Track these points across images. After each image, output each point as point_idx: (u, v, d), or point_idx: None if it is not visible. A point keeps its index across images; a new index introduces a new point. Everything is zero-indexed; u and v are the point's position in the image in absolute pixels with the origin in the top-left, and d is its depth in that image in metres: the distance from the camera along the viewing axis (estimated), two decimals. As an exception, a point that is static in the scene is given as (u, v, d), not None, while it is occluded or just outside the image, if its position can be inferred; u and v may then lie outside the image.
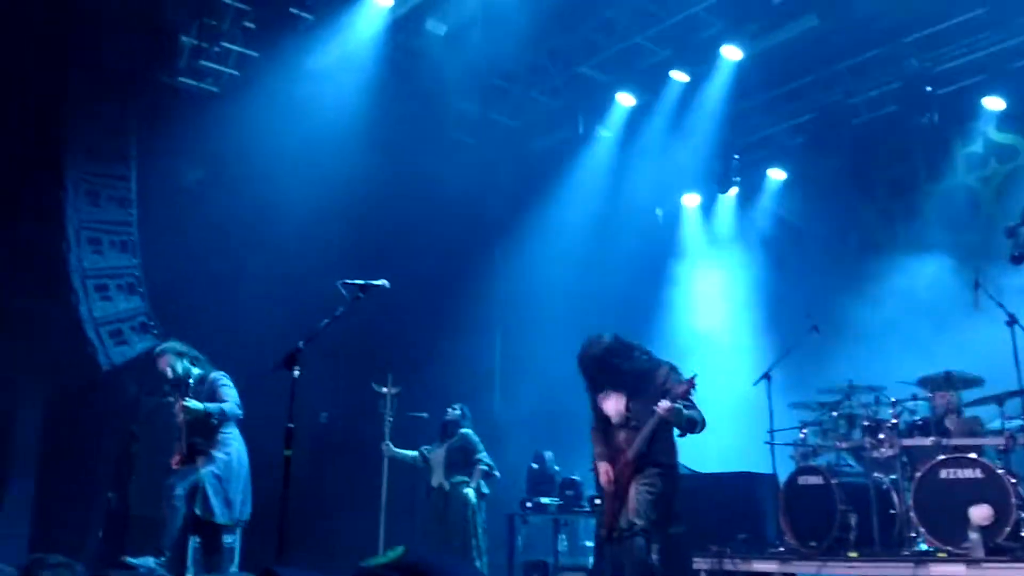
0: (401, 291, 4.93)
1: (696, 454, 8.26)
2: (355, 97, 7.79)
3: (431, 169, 8.50)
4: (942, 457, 5.92)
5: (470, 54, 7.76)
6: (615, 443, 5.08)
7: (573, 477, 7.92)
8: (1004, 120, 7.56)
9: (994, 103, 7.41)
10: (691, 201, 9.96)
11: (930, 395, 6.52)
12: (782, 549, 6.43)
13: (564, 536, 8.19)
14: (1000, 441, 6.03)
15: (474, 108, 8.85)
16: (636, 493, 4.88)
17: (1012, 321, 5.86)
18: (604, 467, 5.06)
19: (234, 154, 7.61)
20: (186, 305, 7.49)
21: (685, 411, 4.90)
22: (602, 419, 5.21)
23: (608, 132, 9.05)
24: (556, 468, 8.25)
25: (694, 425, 4.99)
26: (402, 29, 7.75)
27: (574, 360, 5.11)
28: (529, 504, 7.95)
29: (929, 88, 7.49)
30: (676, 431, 5.04)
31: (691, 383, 4.94)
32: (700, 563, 6.44)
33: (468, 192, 8.80)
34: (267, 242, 7.76)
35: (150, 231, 7.58)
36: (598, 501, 5.52)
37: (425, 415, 7.50)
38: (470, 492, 7.16)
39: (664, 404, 4.83)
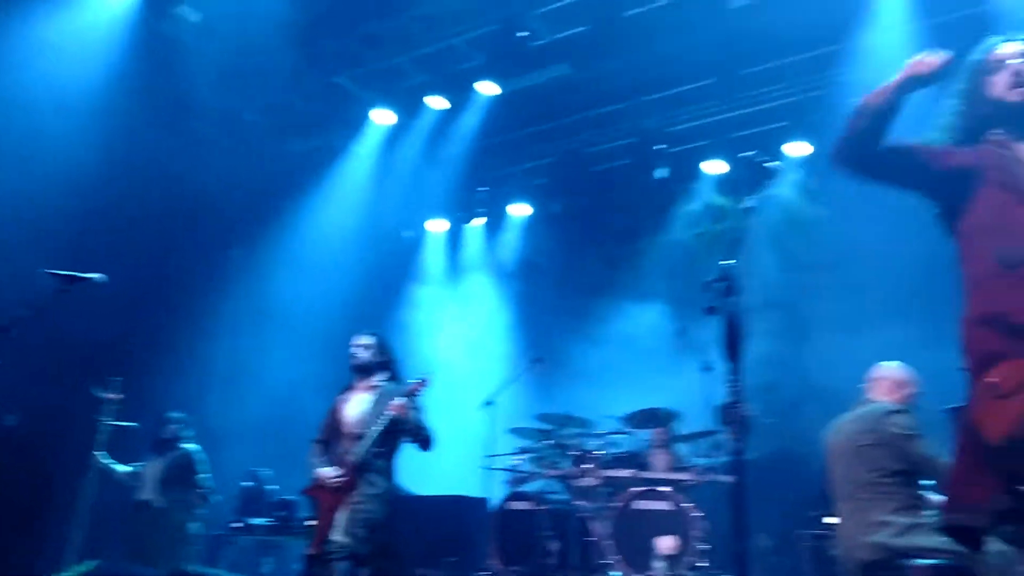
0: (131, 289, 4.49)
1: (417, 476, 8.27)
2: (93, 78, 7.11)
3: (173, 163, 7.93)
4: (637, 489, 6.34)
5: (225, 45, 7.37)
6: (338, 456, 4.93)
7: (287, 497, 7.61)
8: (722, 184, 8.34)
9: (714, 167, 8.15)
10: (438, 227, 10.06)
11: (633, 430, 6.98)
12: (487, 573, 6.54)
13: (272, 559, 7.84)
14: (690, 477, 6.58)
15: (225, 104, 8.39)
16: (350, 511, 4.75)
17: (707, 368, 6.42)
18: (327, 472, 4.86)
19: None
20: None
21: (413, 413, 4.88)
22: (330, 428, 5.06)
23: (363, 147, 8.94)
24: (274, 487, 7.91)
25: (424, 432, 4.96)
26: (153, 10, 7.21)
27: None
28: (237, 524, 7.53)
29: (661, 146, 8.11)
30: (404, 445, 4.98)
31: (422, 382, 4.91)
32: (408, 586, 6.40)
33: (212, 191, 8.30)
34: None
35: None
36: (312, 522, 5.34)
37: (136, 424, 6.90)
38: (182, 511, 6.65)
39: (397, 401, 4.78)
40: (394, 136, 8.85)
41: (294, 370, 8.22)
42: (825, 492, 4.58)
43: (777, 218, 8.14)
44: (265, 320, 8.97)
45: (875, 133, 2.63)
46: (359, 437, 4.85)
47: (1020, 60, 2.68)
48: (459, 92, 8.21)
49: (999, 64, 2.70)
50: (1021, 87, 2.65)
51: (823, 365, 7.45)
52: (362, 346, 5.15)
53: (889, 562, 3.83)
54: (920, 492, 4.05)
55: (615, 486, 6.84)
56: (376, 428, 4.81)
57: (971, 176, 2.60)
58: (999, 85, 2.68)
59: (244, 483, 7.86)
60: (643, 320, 8.78)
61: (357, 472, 4.78)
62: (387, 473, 4.94)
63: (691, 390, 6.91)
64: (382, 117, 8.64)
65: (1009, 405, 2.30)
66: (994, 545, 3.64)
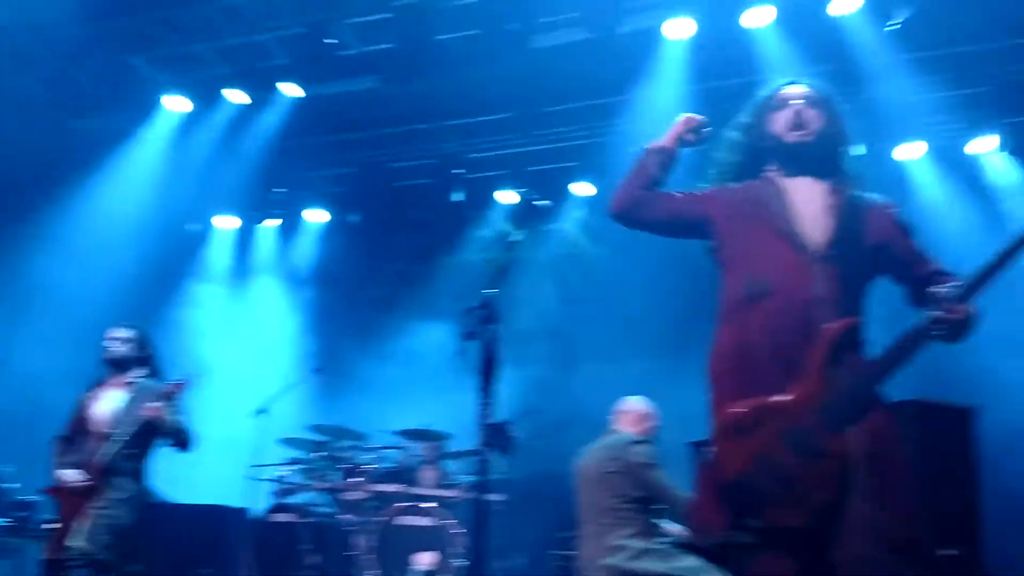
0: None
1: (176, 482, 7.90)
2: None
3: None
4: (402, 504, 6.42)
5: (8, 14, 6.80)
6: (84, 455, 4.65)
7: (27, 497, 7.05)
8: (512, 214, 8.63)
9: (507, 197, 8.44)
10: (227, 224, 9.68)
11: (405, 445, 7.06)
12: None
13: (7, 563, 7.22)
14: (456, 494, 6.74)
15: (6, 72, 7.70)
16: (93, 515, 4.49)
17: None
18: (69, 475, 4.59)
19: None
20: None
21: (171, 416, 4.68)
22: (76, 425, 4.77)
23: (152, 133, 8.49)
24: (14, 485, 7.29)
25: (183, 435, 4.76)
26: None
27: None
28: (-31, 524, 6.88)
29: (460, 170, 8.31)
30: (159, 447, 4.77)
31: (180, 385, 4.74)
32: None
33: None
34: None
35: None
36: (52, 524, 4.98)
37: None
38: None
39: (153, 404, 4.59)
40: (187, 125, 8.47)
41: (48, 360, 7.64)
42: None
43: (558, 252, 8.55)
44: (22, 304, 8.28)
45: (645, 186, 2.82)
46: (108, 437, 4.61)
47: (802, 103, 2.78)
48: (261, 89, 8.00)
49: (783, 103, 2.81)
50: (799, 129, 2.75)
51: (588, 392, 7.89)
52: (119, 339, 4.89)
53: (623, 585, 4.12)
54: (655, 520, 4.40)
55: (382, 500, 6.89)
56: (127, 429, 4.59)
57: (722, 217, 2.76)
58: (780, 123, 2.78)
59: (-22, 480, 7.20)
60: (429, 339, 8.88)
61: (103, 475, 4.53)
62: (137, 476, 4.72)
63: (468, 410, 7.07)
64: (175, 104, 8.25)
65: (746, 442, 2.38)
66: (713, 574, 4.03)
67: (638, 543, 4.18)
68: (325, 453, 6.94)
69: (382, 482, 6.77)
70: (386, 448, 7.11)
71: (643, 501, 4.32)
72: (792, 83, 2.87)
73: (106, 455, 4.56)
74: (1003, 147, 7.11)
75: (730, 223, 2.73)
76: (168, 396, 4.67)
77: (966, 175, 7.31)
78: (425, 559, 6.06)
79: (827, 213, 2.64)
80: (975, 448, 3.81)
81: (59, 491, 4.63)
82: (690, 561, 4.07)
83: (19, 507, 7.02)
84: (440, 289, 9.08)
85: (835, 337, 2.38)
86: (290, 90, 7.87)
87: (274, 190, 9.08)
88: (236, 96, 8.05)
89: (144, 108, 8.31)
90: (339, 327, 9.38)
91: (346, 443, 7.03)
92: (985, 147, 7.25)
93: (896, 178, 7.32)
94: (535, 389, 8.16)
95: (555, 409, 7.95)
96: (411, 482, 6.72)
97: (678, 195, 2.88)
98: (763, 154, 2.83)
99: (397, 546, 6.17)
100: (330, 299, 9.54)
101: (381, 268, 9.44)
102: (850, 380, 2.35)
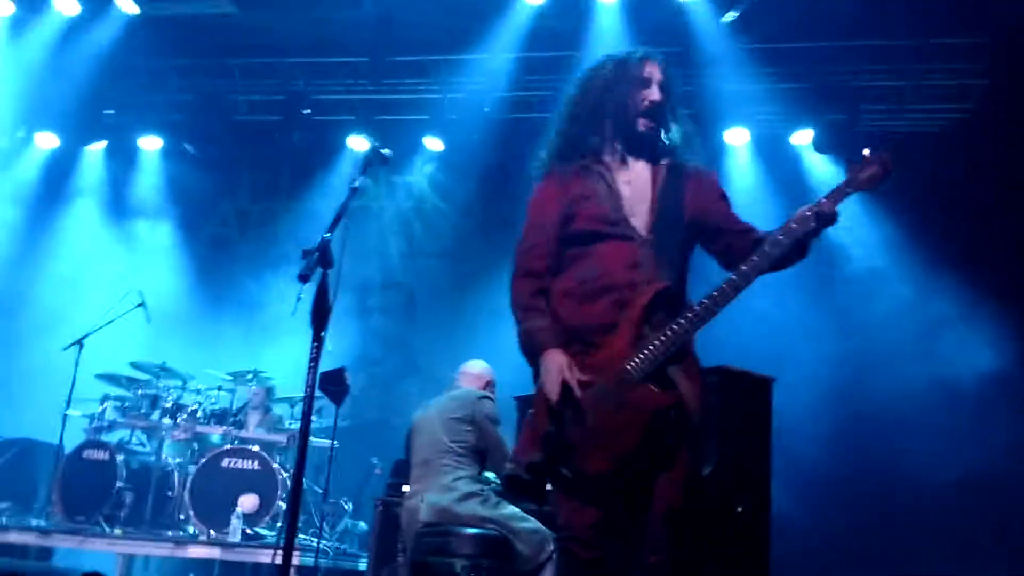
0: None
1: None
2: None
3: None
4: (227, 447, 6.32)
5: None
6: None
7: None
8: (361, 161, 8.45)
9: (357, 143, 8.28)
10: (46, 143, 8.95)
11: (233, 388, 6.92)
12: (42, 523, 6.10)
13: None
14: (282, 439, 6.69)
15: None
16: None
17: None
18: None
19: None
20: None
21: None
22: None
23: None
24: None
25: None
26: None
27: None
28: None
29: (307, 111, 8.08)
30: None
31: None
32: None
33: None
34: None
35: None
36: None
37: None
38: None
39: None
40: (9, 30, 7.81)
41: None
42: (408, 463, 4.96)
43: (406, 205, 8.53)
44: None
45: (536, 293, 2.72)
46: None
47: (659, 94, 2.74)
48: (94, 1, 7.48)
49: (646, 82, 2.75)
50: (650, 119, 2.72)
51: (426, 347, 8.00)
52: None
53: (443, 525, 4.26)
54: (485, 472, 4.60)
55: (205, 442, 6.75)
56: None
57: (564, 209, 2.71)
58: (637, 102, 2.72)
59: None
60: (267, 282, 8.68)
61: None
62: None
63: (303, 356, 6.98)
64: (-2, 8, 7.58)
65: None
66: (529, 523, 4.25)
67: (468, 487, 4.33)
68: (146, 391, 6.70)
69: (206, 424, 6.62)
70: (213, 390, 6.94)
71: (480, 452, 4.50)
72: (647, 57, 2.80)
73: None
74: (815, 143, 7.44)
75: (568, 217, 2.71)
76: None
77: (787, 166, 7.70)
78: (248, 502, 6.00)
79: (651, 189, 2.71)
80: (770, 414, 4.16)
81: None
82: (511, 510, 4.27)
83: None
84: (281, 233, 8.86)
85: (647, 301, 2.55)
86: (127, 5, 7.40)
87: (105, 112, 8.50)
88: (66, 5, 7.48)
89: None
90: (171, 264, 8.98)
91: (170, 383, 6.80)
92: (804, 140, 7.59)
93: (719, 158, 7.68)
94: (376, 339, 8.19)
95: (393, 360, 8.01)
96: (238, 425, 6.61)
97: (541, 238, 2.74)
98: (603, 127, 2.77)
99: (222, 489, 6.07)
100: (161, 234, 9.08)
101: (220, 205, 9.07)
102: (659, 339, 2.50)
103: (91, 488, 6.10)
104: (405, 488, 5.05)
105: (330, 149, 8.49)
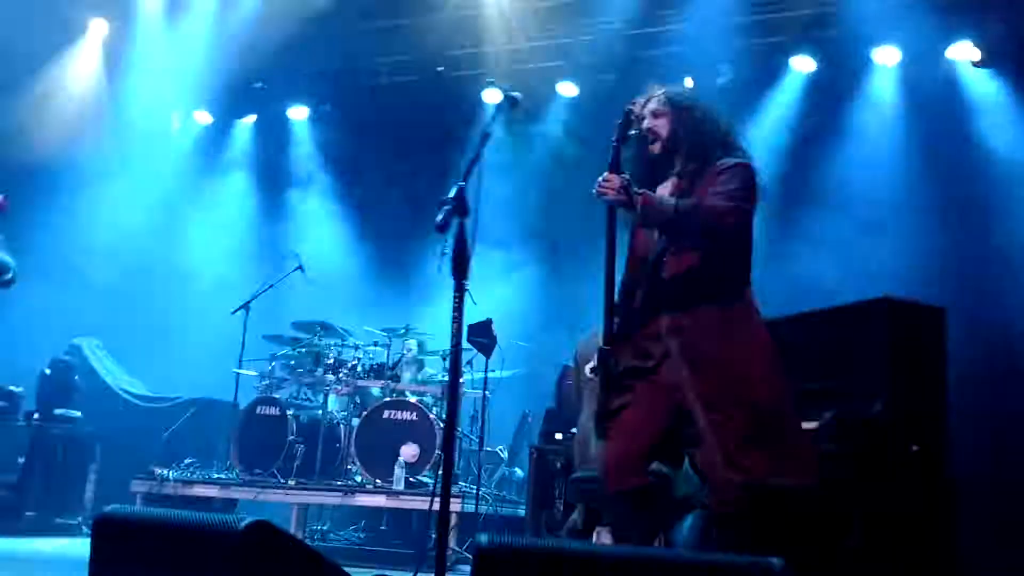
0: None
1: (165, 380, 8.03)
2: None
3: None
4: (386, 399, 6.55)
5: None
6: None
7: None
8: (495, 109, 8.38)
9: (492, 95, 8.27)
10: (202, 119, 9.46)
11: (388, 344, 7.14)
12: (223, 476, 6.54)
13: None
14: (436, 390, 6.87)
15: None
16: None
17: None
18: None
19: None
20: None
21: None
22: None
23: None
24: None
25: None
26: None
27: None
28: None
29: (440, 68, 8.18)
30: None
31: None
32: (138, 486, 6.27)
33: None
34: None
35: None
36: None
37: None
38: None
39: None
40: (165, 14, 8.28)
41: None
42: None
43: (543, 154, 8.45)
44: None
45: None
46: None
47: (648, 120, 3.09)
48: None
49: (636, 121, 3.12)
50: (651, 143, 3.09)
51: (571, 296, 7.96)
52: None
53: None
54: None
55: (366, 396, 7.03)
56: None
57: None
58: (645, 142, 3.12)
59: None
60: (419, 238, 8.80)
61: None
62: None
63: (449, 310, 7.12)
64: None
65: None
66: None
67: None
68: (307, 349, 7.02)
69: (366, 378, 6.89)
70: (369, 345, 7.20)
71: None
72: (639, 98, 3.17)
73: None
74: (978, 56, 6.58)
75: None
76: None
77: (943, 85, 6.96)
78: (409, 451, 6.22)
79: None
80: (943, 346, 3.88)
81: None
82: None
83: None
84: (426, 190, 8.97)
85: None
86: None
87: (254, 85, 8.86)
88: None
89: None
90: (322, 226, 9.32)
91: (330, 341, 7.10)
92: (962, 55, 6.73)
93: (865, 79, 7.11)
94: (520, 292, 8.21)
95: (539, 311, 8.03)
96: (394, 379, 6.83)
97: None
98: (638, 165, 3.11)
99: (383, 440, 6.32)
100: (313, 199, 9.42)
101: (367, 168, 9.28)
102: None
103: (266, 443, 6.48)
104: (558, 436, 5.08)
105: (463, 103, 8.52)
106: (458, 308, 2.76)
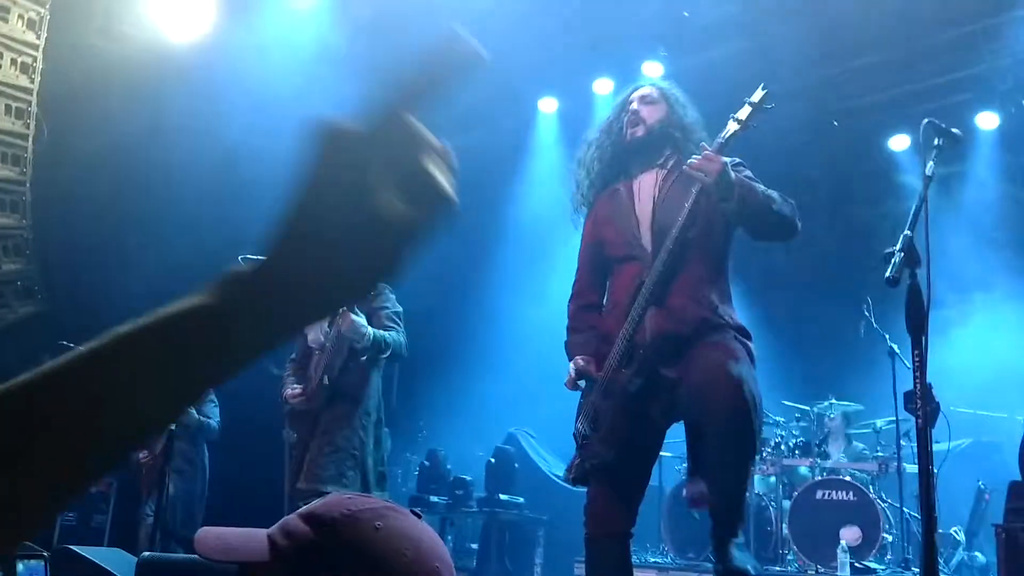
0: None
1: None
2: None
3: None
4: (819, 478, 6.15)
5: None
6: (308, 373, 4.32)
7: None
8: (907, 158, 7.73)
9: (899, 142, 7.70)
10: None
11: (812, 417, 6.76)
12: (659, 560, 6.55)
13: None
14: (873, 467, 6.31)
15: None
16: (318, 448, 4.09)
17: (892, 352, 6.09)
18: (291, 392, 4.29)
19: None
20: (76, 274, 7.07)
21: (371, 329, 4.04)
22: (304, 348, 4.41)
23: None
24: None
25: (384, 349, 4.13)
26: None
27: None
28: None
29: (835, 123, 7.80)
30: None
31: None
32: (580, 568, 6.49)
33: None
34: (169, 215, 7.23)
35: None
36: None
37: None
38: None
39: (347, 318, 3.94)
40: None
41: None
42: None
43: (966, 195, 7.59)
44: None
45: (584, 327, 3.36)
46: (325, 355, 4.35)
47: (635, 103, 3.12)
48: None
49: (626, 106, 3.15)
50: (634, 127, 3.09)
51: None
52: None
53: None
54: None
55: (793, 475, 6.68)
56: (333, 352, 4.24)
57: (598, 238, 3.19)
58: (623, 122, 3.14)
59: None
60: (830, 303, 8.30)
61: (323, 394, 4.23)
62: (358, 398, 4.25)
63: (873, 377, 6.58)
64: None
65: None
66: None
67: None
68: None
69: (791, 457, 6.55)
70: (791, 422, 6.88)
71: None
72: (636, 87, 3.23)
73: (322, 373, 4.16)
74: None
75: (602, 243, 3.18)
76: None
77: None
78: (851, 534, 5.75)
79: (654, 202, 3.03)
80: None
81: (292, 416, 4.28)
82: None
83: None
84: (828, 252, 8.49)
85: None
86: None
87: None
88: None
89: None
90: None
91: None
92: None
93: None
94: (959, 352, 7.30)
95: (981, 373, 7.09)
96: (822, 456, 6.41)
97: (584, 272, 3.29)
98: (616, 159, 3.17)
99: (818, 522, 5.93)
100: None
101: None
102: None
103: (695, 526, 6.37)
104: None
105: (867, 154, 8.00)
106: (919, 367, 2.49)
